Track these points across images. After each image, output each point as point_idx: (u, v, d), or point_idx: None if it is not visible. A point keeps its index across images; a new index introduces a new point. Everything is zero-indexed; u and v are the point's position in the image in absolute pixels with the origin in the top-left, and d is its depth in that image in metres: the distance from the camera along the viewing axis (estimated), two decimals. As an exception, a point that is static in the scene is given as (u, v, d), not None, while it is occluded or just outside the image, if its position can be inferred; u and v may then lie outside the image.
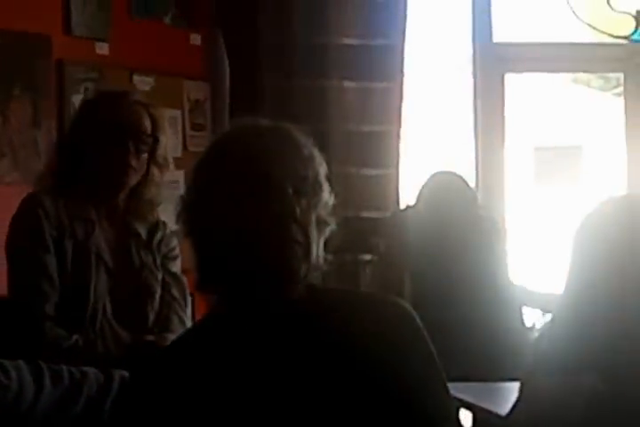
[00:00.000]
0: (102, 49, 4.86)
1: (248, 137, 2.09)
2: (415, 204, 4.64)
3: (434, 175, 4.67)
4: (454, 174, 4.72)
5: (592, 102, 6.96)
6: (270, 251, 2.00)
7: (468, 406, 3.62)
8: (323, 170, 2.08)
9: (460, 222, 4.53)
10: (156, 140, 3.31)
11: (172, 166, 3.47)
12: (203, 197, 2.04)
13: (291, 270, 2.01)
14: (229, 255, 2.03)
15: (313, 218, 2.03)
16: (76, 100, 4.64)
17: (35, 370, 2.45)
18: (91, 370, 2.58)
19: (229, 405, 1.99)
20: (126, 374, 2.57)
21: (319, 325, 2.04)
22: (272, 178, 1.99)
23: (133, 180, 3.30)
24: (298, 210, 1.99)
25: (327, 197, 2.07)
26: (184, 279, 3.44)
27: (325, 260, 2.06)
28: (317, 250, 2.05)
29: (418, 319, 2.09)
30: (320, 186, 2.06)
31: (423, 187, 4.65)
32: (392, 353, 2.03)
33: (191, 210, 2.06)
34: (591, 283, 2.37)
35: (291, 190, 1.99)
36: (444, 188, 4.58)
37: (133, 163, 3.27)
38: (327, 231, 2.07)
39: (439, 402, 2.05)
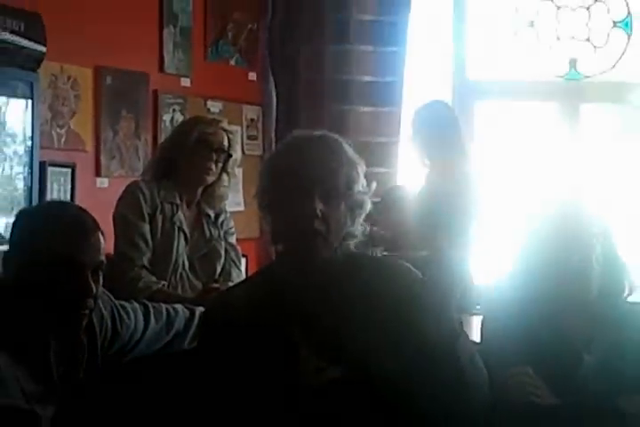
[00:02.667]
0: (185, 82, 4.87)
1: (293, 147, 2.06)
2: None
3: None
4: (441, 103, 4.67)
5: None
6: (299, 239, 1.99)
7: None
8: (360, 169, 2.03)
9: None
10: (230, 156, 3.39)
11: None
12: (261, 193, 2.07)
13: (313, 252, 1.99)
14: (280, 229, 2.04)
15: (343, 207, 1.99)
16: (167, 118, 4.70)
17: (144, 309, 2.45)
18: (179, 307, 2.60)
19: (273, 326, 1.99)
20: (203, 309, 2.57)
21: (347, 279, 2.03)
22: (302, 188, 1.96)
23: (210, 180, 3.37)
24: (319, 210, 1.94)
25: (362, 187, 2.02)
26: (239, 247, 3.52)
27: (364, 229, 2.05)
28: (352, 222, 2.02)
29: (418, 274, 2.05)
30: (352, 183, 2.00)
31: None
32: (402, 300, 1.98)
33: (260, 199, 2.07)
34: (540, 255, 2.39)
35: (318, 195, 1.95)
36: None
37: (213, 168, 3.33)
38: (365, 209, 2.03)
39: (445, 331, 1.95)
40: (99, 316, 2.24)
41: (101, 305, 2.25)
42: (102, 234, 2.13)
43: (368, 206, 2.05)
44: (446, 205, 4.21)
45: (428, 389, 1.91)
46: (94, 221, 2.14)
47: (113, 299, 2.35)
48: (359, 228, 2.05)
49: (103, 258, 2.12)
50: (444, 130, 4.50)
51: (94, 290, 2.08)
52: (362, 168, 2.04)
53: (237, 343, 2.00)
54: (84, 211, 2.18)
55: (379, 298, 2.00)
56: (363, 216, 2.05)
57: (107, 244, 2.18)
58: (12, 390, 1.99)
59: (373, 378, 1.94)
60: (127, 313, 2.37)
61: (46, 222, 2.12)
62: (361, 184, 2.03)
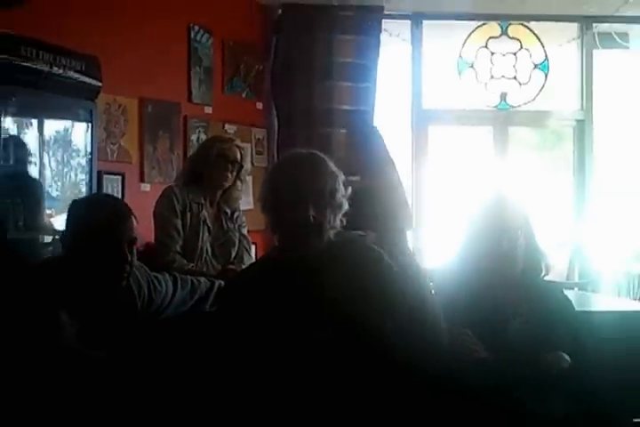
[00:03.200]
0: (208, 110, 4.83)
1: (290, 164, 2.06)
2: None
3: None
4: None
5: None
6: (296, 233, 2.00)
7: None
8: (339, 179, 2.03)
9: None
10: (242, 166, 3.34)
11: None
12: (264, 198, 2.07)
13: (309, 243, 2.01)
14: (280, 226, 2.04)
15: (328, 211, 2.00)
16: (194, 137, 4.67)
17: (173, 279, 2.46)
18: (202, 279, 2.60)
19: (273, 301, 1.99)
20: (222, 282, 2.58)
21: (333, 258, 2.02)
22: (298, 193, 1.98)
23: (227, 185, 3.32)
24: (312, 216, 1.97)
25: (342, 193, 2.03)
26: (249, 237, 3.48)
27: (341, 222, 2.05)
28: (334, 220, 2.02)
29: (384, 255, 2.07)
30: (335, 192, 2.01)
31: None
32: (379, 271, 2.01)
33: (263, 202, 2.07)
34: (476, 241, 2.40)
35: (311, 204, 1.97)
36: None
37: (229, 176, 3.29)
38: (343, 208, 2.03)
39: (411, 302, 2.00)
40: (137, 284, 2.27)
41: (139, 276, 2.28)
42: (135, 218, 2.18)
43: (346, 206, 2.06)
44: (374, 200, 4.17)
45: (411, 341, 1.96)
46: (129, 208, 2.20)
47: (149, 271, 2.37)
48: (338, 222, 2.06)
49: (136, 236, 2.16)
50: (371, 146, 4.49)
51: (129, 258, 2.13)
52: (341, 178, 2.05)
53: (248, 307, 2.01)
54: (121, 200, 2.25)
55: (360, 271, 2.02)
56: (341, 213, 2.06)
57: (146, 232, 2.20)
58: (72, 339, 2.04)
59: (361, 335, 1.95)
60: (159, 282, 2.38)
61: (94, 208, 2.18)
62: (341, 192, 2.04)
